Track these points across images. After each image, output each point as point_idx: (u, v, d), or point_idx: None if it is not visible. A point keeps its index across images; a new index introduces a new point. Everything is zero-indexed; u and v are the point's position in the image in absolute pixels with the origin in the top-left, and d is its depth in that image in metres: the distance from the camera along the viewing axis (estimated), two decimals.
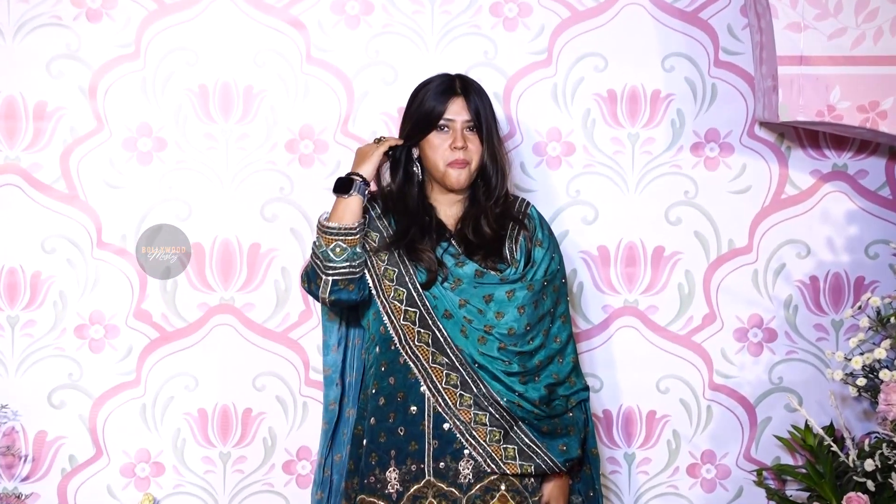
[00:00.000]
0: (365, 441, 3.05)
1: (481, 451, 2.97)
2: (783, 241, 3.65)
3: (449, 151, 3.03)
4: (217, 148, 3.57)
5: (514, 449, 2.98)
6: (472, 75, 3.52)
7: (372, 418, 3.04)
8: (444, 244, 3.06)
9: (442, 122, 3.04)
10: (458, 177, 3.05)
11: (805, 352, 3.66)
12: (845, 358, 3.40)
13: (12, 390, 3.55)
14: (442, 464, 2.98)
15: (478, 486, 2.97)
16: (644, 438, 3.67)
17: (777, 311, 3.66)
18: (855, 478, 3.32)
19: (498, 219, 3.10)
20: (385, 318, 3.04)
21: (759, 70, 3.55)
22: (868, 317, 3.43)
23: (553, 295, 3.10)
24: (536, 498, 3.02)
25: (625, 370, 3.66)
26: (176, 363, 3.59)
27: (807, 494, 3.50)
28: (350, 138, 3.57)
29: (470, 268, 3.03)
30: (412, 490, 2.98)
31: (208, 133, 3.56)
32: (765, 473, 3.62)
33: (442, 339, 3.00)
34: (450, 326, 3.01)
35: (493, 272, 3.03)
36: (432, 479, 2.98)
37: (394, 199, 3.11)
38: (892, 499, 3.26)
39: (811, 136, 3.64)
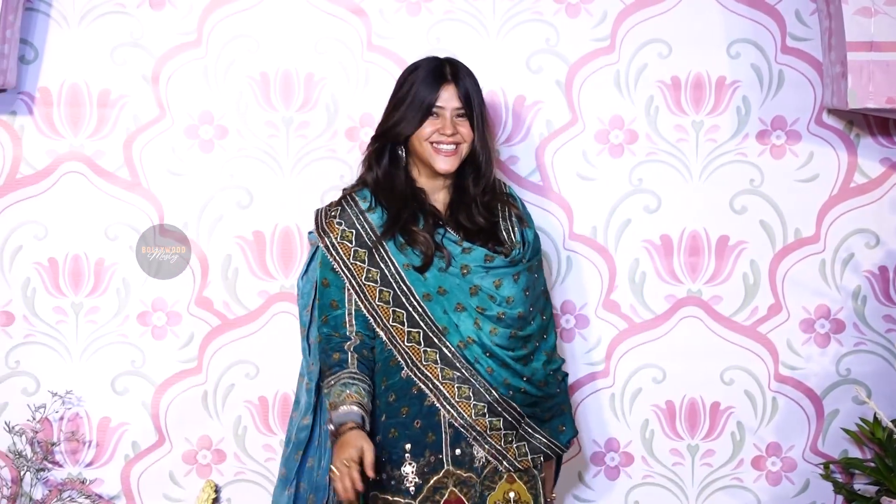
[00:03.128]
0: (378, 437, 2.99)
1: (496, 453, 2.97)
2: (851, 231, 3.58)
3: (437, 136, 2.98)
4: (278, 136, 3.57)
5: (524, 445, 3.01)
6: (534, 62, 3.54)
7: (383, 415, 2.99)
8: (441, 230, 3.02)
9: (434, 109, 2.99)
10: (447, 163, 2.99)
11: (874, 343, 3.60)
12: None
13: (76, 376, 3.59)
14: (458, 450, 2.96)
15: (489, 467, 2.98)
16: (708, 430, 3.63)
17: (845, 302, 3.60)
18: None
19: (487, 205, 3.06)
20: (388, 343, 2.99)
21: (827, 56, 3.48)
22: None
23: (540, 272, 3.11)
24: (543, 475, 3.06)
25: (688, 361, 3.61)
26: (237, 351, 3.60)
27: (875, 489, 3.45)
28: None
29: (478, 253, 2.99)
30: (432, 482, 2.95)
31: (269, 121, 3.57)
32: (832, 467, 3.57)
33: (449, 354, 2.97)
34: (462, 319, 2.97)
35: (500, 256, 3.00)
36: (451, 468, 2.96)
37: (381, 185, 3.05)
38: None
39: (881, 124, 3.57)
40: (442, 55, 3.52)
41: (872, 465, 3.46)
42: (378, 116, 3.52)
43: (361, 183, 3.08)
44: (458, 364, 2.97)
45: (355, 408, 2.89)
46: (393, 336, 2.98)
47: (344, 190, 3.10)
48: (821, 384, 3.61)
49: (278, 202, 3.57)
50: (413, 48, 3.55)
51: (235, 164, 3.57)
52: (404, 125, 3.01)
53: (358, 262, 3.00)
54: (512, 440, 2.99)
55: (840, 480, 3.57)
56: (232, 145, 3.57)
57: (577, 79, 3.56)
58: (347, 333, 3.00)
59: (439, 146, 2.99)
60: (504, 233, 3.06)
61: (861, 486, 3.56)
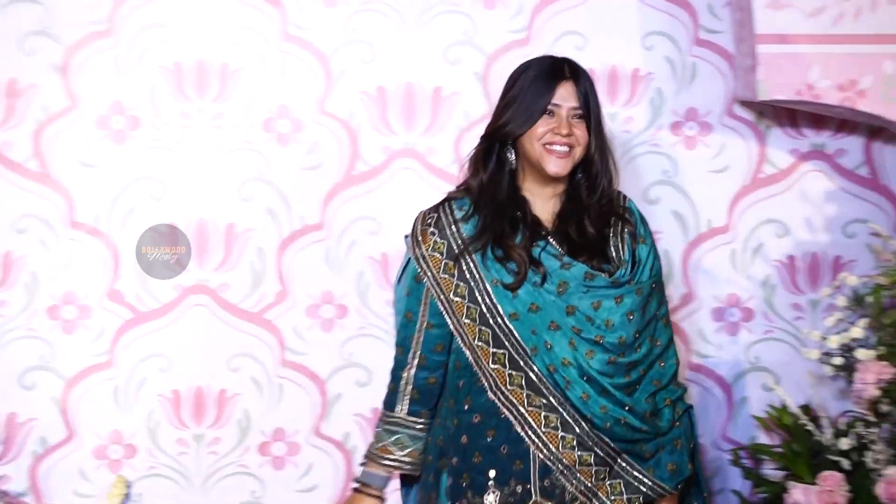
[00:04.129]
0: (455, 459, 2.84)
1: (585, 490, 2.78)
2: (761, 221, 3.65)
3: (550, 136, 2.78)
4: (192, 127, 3.52)
5: (619, 483, 2.80)
6: (451, 54, 3.55)
7: (464, 436, 2.83)
8: (542, 243, 2.81)
9: (549, 107, 2.79)
10: (558, 165, 2.78)
11: (782, 331, 3.67)
12: (822, 337, 3.40)
13: None
14: (547, 481, 2.79)
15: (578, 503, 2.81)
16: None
17: (755, 291, 3.67)
18: (830, 457, 3.33)
19: (601, 217, 2.85)
20: (473, 364, 2.82)
21: (738, 48, 3.54)
22: (845, 296, 3.44)
23: (657, 296, 2.89)
24: None
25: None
26: (150, 344, 3.55)
27: (783, 473, 3.51)
28: (327, 117, 3.54)
29: (578, 270, 2.78)
30: None
31: (183, 112, 3.52)
32: (741, 453, 3.62)
33: (536, 379, 2.78)
34: (556, 338, 2.78)
35: (602, 275, 2.80)
36: (539, 498, 2.78)
37: (484, 190, 2.84)
38: (866, 477, 3.27)
39: (790, 115, 3.64)
40: (358, 46, 3.54)
41: (780, 450, 3.52)
42: (295, 107, 3.54)
43: (465, 190, 2.88)
44: (544, 390, 2.77)
45: (381, 472, 2.89)
46: (478, 357, 2.80)
47: (448, 194, 2.93)
48: (731, 372, 3.67)
49: (194, 194, 3.53)
50: (329, 39, 3.53)
51: (149, 155, 3.51)
52: (515, 124, 2.79)
53: (447, 276, 2.83)
54: (604, 477, 2.78)
55: (749, 466, 3.64)
56: (145, 136, 3.51)
57: (493, 70, 3.56)
58: (409, 357, 2.90)
59: (552, 147, 2.78)
60: (613, 249, 2.84)
61: (769, 471, 3.61)
